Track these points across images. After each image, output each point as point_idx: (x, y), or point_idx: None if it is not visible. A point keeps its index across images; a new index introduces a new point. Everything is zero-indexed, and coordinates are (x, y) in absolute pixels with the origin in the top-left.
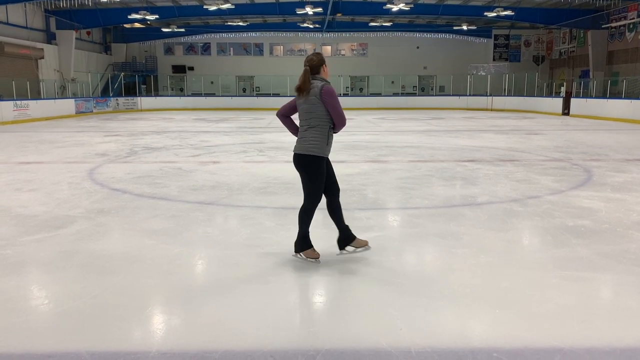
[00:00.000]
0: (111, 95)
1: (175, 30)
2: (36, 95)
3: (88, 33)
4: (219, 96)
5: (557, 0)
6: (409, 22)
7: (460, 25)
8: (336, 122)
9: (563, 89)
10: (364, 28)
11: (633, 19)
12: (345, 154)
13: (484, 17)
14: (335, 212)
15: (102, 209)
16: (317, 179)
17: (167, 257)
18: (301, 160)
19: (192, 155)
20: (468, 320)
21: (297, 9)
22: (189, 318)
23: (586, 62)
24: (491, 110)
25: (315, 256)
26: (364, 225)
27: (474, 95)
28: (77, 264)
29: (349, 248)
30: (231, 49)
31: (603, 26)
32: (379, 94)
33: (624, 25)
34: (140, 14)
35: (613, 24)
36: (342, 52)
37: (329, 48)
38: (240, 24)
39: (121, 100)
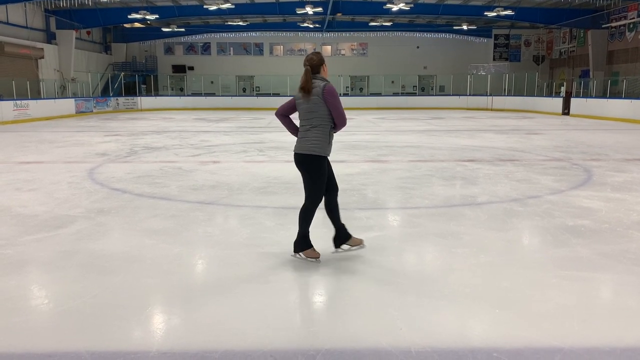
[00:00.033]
0: (111, 95)
1: (176, 30)
2: (36, 95)
3: (88, 33)
4: (219, 96)
5: (557, 0)
6: (409, 22)
7: (461, 25)
8: (337, 121)
9: (563, 89)
10: (364, 28)
11: (633, 18)
12: (345, 154)
13: (484, 17)
14: (332, 210)
15: (102, 208)
16: (319, 178)
17: (167, 257)
18: (303, 160)
19: (192, 155)
20: (468, 320)
21: (297, 9)
22: (189, 318)
23: (586, 62)
24: (491, 110)
25: (316, 256)
26: (364, 225)
27: (474, 95)
28: (77, 264)
29: (344, 246)
30: (231, 48)
31: (603, 26)
32: (379, 94)
33: (624, 25)
34: (140, 14)
35: (613, 24)
36: (342, 51)
37: (329, 48)
38: (241, 23)
39: (121, 100)
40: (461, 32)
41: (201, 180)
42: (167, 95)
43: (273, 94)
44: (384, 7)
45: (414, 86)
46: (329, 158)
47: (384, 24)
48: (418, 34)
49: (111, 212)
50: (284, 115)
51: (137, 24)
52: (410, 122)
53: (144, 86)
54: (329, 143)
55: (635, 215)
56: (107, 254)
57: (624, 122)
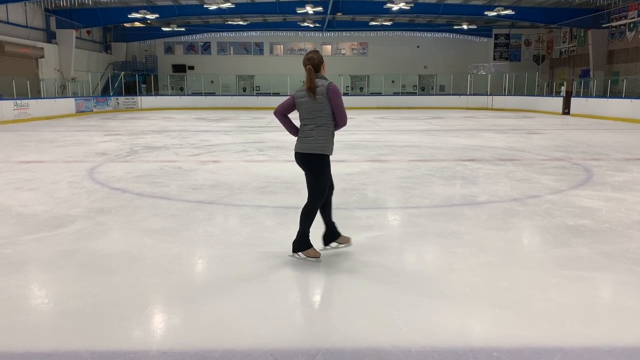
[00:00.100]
0: (111, 94)
1: (176, 29)
2: (36, 95)
3: (88, 32)
4: (219, 95)
5: (557, 0)
6: (409, 22)
7: (461, 25)
8: (339, 120)
9: (563, 89)
10: (364, 27)
11: (633, 18)
12: (345, 153)
13: (484, 17)
14: (325, 208)
15: (102, 208)
16: (324, 177)
17: (167, 256)
18: (308, 159)
19: (192, 154)
20: (468, 320)
21: (297, 8)
22: (189, 317)
23: (586, 62)
24: (491, 109)
25: (316, 255)
26: (364, 224)
27: (474, 94)
28: (77, 263)
29: (332, 244)
30: (231, 48)
31: (603, 25)
32: (379, 93)
33: (624, 25)
34: (140, 13)
35: (613, 24)
36: (343, 51)
37: (329, 47)
38: (241, 23)
39: (121, 99)
40: (461, 31)
41: (201, 179)
42: (167, 95)
43: (273, 93)
44: (384, 7)
45: (414, 86)
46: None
47: (384, 23)
48: (418, 34)
49: (111, 211)
50: (283, 114)
51: (137, 24)
52: (410, 122)
53: (144, 86)
54: (332, 142)
55: (636, 215)
56: (107, 253)
57: (624, 121)
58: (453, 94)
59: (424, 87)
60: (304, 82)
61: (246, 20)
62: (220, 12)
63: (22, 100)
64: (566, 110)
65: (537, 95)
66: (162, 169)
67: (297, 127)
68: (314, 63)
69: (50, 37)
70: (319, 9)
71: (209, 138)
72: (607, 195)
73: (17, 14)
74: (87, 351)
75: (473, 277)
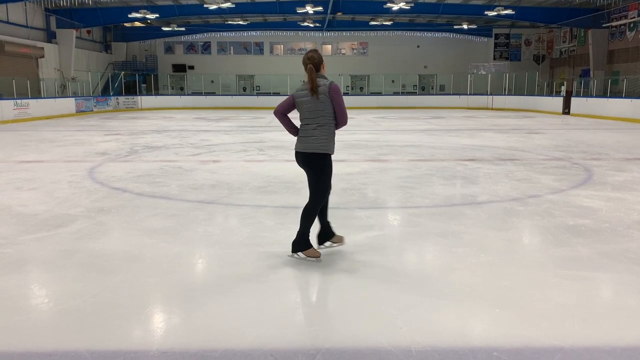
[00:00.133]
0: (111, 94)
1: (176, 29)
2: (36, 94)
3: (88, 32)
4: (219, 95)
5: (557, 0)
6: (409, 21)
7: (461, 24)
8: (340, 119)
9: (563, 88)
10: (364, 27)
11: (634, 18)
12: (345, 153)
13: (484, 16)
14: (322, 207)
15: (102, 207)
16: (326, 176)
17: (167, 256)
18: (311, 159)
19: (193, 154)
20: (468, 319)
21: (297, 8)
22: (189, 317)
23: (587, 61)
24: (491, 109)
25: (317, 255)
26: (364, 224)
27: (474, 94)
28: (77, 263)
29: (326, 243)
30: (231, 48)
31: (603, 25)
32: (379, 93)
33: (624, 25)
34: (140, 13)
35: (613, 23)
36: (343, 51)
37: (329, 47)
38: (241, 22)
39: (121, 99)
40: (461, 31)
41: (201, 179)
42: (168, 95)
43: (273, 93)
44: (385, 7)
45: (414, 85)
46: None
47: (384, 23)
48: (418, 33)
49: (111, 211)
50: (283, 114)
51: (137, 23)
52: (410, 122)
53: (144, 85)
54: (334, 141)
55: (636, 215)
56: (107, 253)
57: (625, 121)
58: (453, 94)
59: (424, 87)
60: (304, 81)
61: (246, 20)
62: (220, 11)
63: (22, 100)
64: (566, 110)
65: (537, 95)
66: (162, 169)
67: (297, 127)
68: (314, 62)
69: (51, 37)
70: (319, 8)
71: (209, 138)
72: (607, 195)
73: (17, 14)
74: (87, 351)
75: (473, 276)
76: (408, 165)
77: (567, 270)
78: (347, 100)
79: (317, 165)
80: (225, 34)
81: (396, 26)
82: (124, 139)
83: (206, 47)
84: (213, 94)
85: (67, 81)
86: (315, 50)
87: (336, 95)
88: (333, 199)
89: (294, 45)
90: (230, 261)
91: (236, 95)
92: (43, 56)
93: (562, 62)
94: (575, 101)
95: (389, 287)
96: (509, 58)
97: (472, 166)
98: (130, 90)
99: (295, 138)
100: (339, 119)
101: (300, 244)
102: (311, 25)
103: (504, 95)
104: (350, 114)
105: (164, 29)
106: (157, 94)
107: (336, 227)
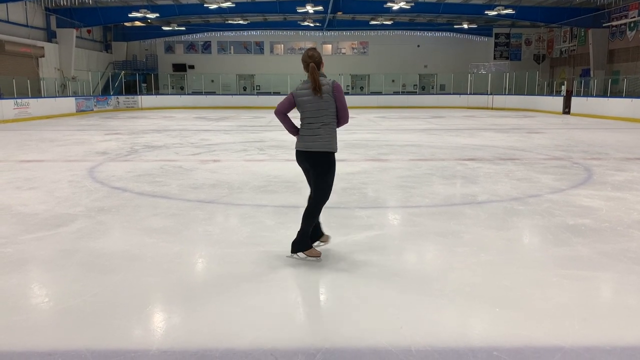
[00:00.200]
0: (112, 93)
1: (176, 28)
2: (37, 94)
3: (89, 31)
4: (219, 95)
5: None
6: (409, 21)
7: (461, 24)
8: (343, 117)
9: (564, 88)
10: (364, 26)
11: (634, 17)
12: (345, 153)
13: (484, 16)
14: None
15: (102, 207)
16: (331, 175)
17: (167, 256)
18: (316, 158)
19: (193, 153)
20: (468, 319)
21: (297, 7)
22: (189, 316)
23: (587, 61)
24: (492, 109)
25: (317, 254)
26: (364, 223)
27: (474, 93)
28: (78, 262)
29: (315, 243)
30: (232, 47)
31: (604, 25)
32: (379, 93)
33: (624, 24)
34: (140, 12)
35: (614, 23)
36: (343, 50)
37: (329, 46)
38: (241, 22)
39: (122, 98)
40: (462, 30)
41: (201, 179)
42: (168, 94)
43: (273, 92)
44: (385, 6)
45: (414, 85)
46: None
47: (384, 22)
48: (419, 33)
49: (111, 210)
50: (284, 113)
51: (137, 23)
52: (410, 121)
53: (145, 85)
54: (336, 139)
55: (636, 214)
56: (108, 252)
57: (625, 121)
58: (453, 93)
59: (425, 87)
60: (304, 80)
61: (246, 20)
62: (220, 11)
63: (23, 100)
64: (566, 109)
65: (538, 95)
66: (162, 168)
67: (297, 127)
68: (316, 61)
69: (51, 37)
70: (319, 8)
71: (209, 137)
72: (608, 195)
73: (17, 13)
74: (87, 350)
75: (473, 276)
76: (408, 165)
77: (567, 270)
78: (348, 100)
79: (322, 164)
80: (225, 33)
81: (396, 26)
82: (124, 139)
83: (206, 46)
84: (213, 93)
85: (67, 81)
86: (314, 49)
87: (339, 94)
88: (333, 198)
89: (294, 45)
90: (230, 261)
91: (236, 94)
92: (43, 56)
93: (563, 61)
94: (575, 101)
95: (389, 287)
96: (509, 57)
97: (472, 166)
98: (131, 89)
99: (295, 138)
100: (342, 118)
101: (301, 243)
102: (311, 24)
103: (504, 94)
104: (350, 113)
105: (164, 28)
106: (157, 93)
107: (336, 227)
